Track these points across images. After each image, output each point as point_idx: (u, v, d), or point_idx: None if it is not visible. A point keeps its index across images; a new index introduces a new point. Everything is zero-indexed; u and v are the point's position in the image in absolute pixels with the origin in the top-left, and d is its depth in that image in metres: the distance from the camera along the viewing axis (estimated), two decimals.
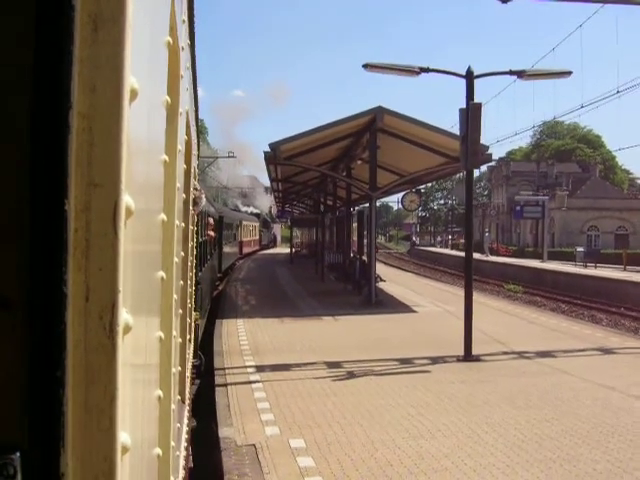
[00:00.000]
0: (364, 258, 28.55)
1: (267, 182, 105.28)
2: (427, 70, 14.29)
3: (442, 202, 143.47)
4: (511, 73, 14.39)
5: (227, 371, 13.34)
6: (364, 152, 27.07)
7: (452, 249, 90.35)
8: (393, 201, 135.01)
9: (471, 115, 13.44)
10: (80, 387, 1.11)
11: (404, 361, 13.98)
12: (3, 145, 1.09)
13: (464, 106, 13.67)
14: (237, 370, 13.40)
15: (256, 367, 13.57)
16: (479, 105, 13.55)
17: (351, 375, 12.79)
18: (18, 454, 1.06)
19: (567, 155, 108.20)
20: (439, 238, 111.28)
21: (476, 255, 66.23)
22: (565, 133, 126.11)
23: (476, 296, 29.55)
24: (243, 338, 17.12)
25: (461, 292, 30.93)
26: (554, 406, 10.50)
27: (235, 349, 15.59)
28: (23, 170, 1.08)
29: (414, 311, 22.45)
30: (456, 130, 26.03)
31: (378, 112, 22.56)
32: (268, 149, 22.58)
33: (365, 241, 30.57)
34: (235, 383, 12.30)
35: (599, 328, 19.94)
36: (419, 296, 27.55)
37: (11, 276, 1.08)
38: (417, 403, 10.73)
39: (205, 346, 16.01)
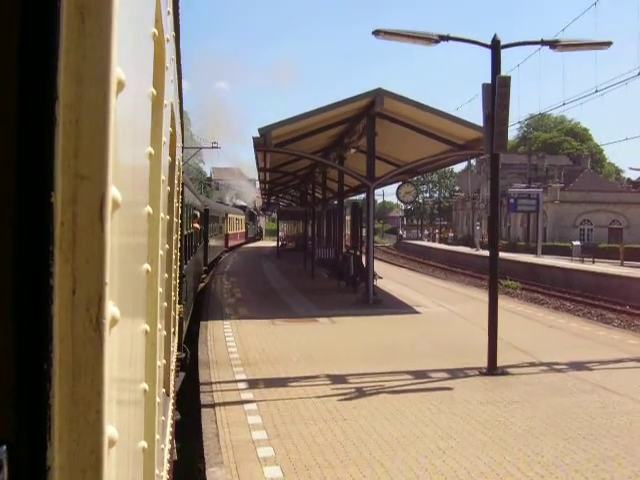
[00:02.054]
0: (358, 253, 26.63)
1: (250, 174, 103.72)
2: (447, 38, 12.38)
3: (427, 195, 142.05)
4: (543, 43, 12.53)
5: (214, 387, 11.43)
6: (360, 139, 25.17)
7: (440, 243, 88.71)
8: (378, 194, 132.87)
9: (498, 90, 11.57)
10: (67, 380, 1.09)
11: (419, 374, 12.12)
12: None
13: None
14: (226, 386, 11.48)
15: (248, 382, 11.67)
16: (508, 79, 11.68)
17: (360, 393, 10.92)
18: (4, 448, 1.02)
19: (554, 148, 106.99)
20: (426, 232, 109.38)
21: (466, 249, 65.04)
22: (552, 126, 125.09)
23: (475, 293, 27.90)
24: (231, 344, 15.20)
25: (460, 289, 29.49)
26: (612, 437, 8.68)
27: (223, 358, 13.67)
28: (9, 162, 1.05)
29: (417, 312, 20.58)
30: (459, 113, 24.40)
31: (378, 94, 20.64)
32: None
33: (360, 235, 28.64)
34: (224, 403, 10.40)
35: (628, 333, 18.12)
36: (418, 294, 25.70)
37: None
38: (445, 432, 8.88)
39: (190, 342, 14.31)
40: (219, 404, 10.36)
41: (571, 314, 25.10)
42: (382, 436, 8.72)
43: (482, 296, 26.26)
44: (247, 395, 10.81)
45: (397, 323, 18.18)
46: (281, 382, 11.62)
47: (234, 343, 15.27)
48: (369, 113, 22.04)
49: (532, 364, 12.99)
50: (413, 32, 12.33)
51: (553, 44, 12.38)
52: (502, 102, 11.49)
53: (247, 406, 10.19)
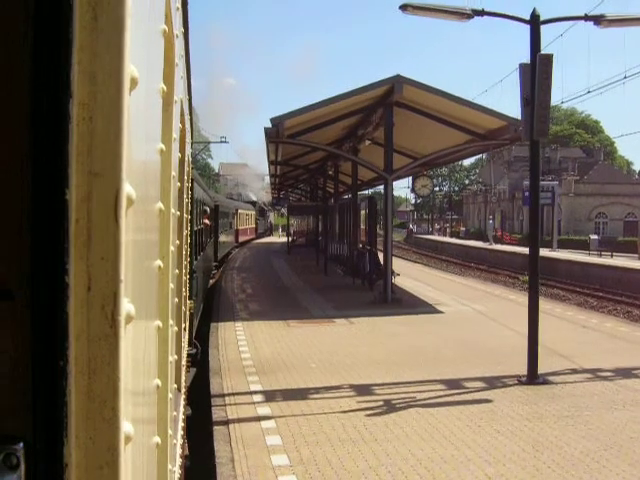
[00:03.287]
0: (375, 249, 25.51)
1: (258, 169, 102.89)
2: (481, 13, 11.22)
3: (437, 189, 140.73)
4: (586, 18, 11.37)
5: (227, 399, 10.38)
6: (375, 130, 24.05)
7: (451, 237, 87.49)
8: None
9: (539, 70, 10.44)
10: (83, 377, 1.09)
11: (452, 384, 11.02)
12: (3, 135, 1.07)
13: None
14: (240, 398, 10.43)
15: (264, 394, 10.60)
16: (550, 57, 10.54)
17: (390, 407, 9.84)
18: (21, 444, 1.04)
19: (565, 141, 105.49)
20: (437, 226, 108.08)
21: (478, 243, 63.83)
22: (563, 118, 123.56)
23: (497, 290, 26.71)
24: (244, 349, 14.15)
25: (479, 286, 28.31)
26: None
27: (235, 365, 12.61)
28: (24, 160, 1.07)
29: (439, 311, 19.43)
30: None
31: (396, 82, 19.50)
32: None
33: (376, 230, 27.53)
34: (239, 420, 9.33)
35: None
36: (437, 292, 24.58)
37: (13, 267, 1.07)
38: (492, 455, 7.79)
39: (200, 339, 13.32)
40: (233, 421, 9.30)
41: (596, 311, 24.07)
42: (420, 461, 7.64)
43: (505, 293, 25.25)
44: (264, 410, 9.74)
45: (420, 324, 17.07)
46: (301, 393, 10.55)
47: (247, 347, 14.20)
48: (386, 102, 20.92)
49: (574, 371, 11.87)
50: (444, 7, 11.18)
51: (597, 19, 11.23)
52: (544, 83, 10.36)
53: (264, 423, 9.12)
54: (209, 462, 8.28)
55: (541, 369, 11.36)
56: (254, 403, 10.11)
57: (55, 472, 1.06)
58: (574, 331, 16.09)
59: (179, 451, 4.22)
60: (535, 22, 10.82)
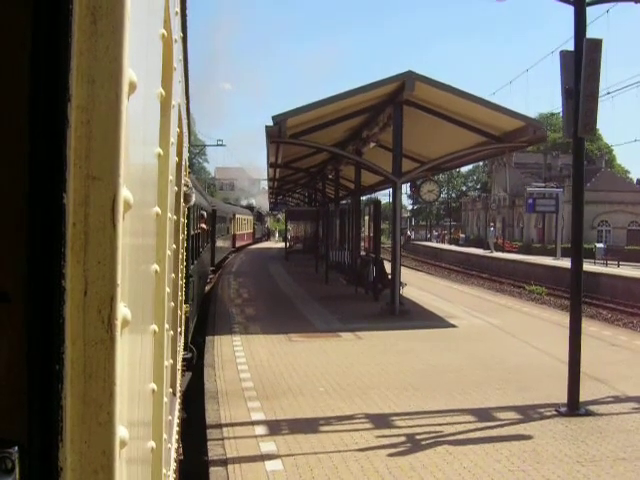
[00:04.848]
0: (380, 257, 24.14)
1: (254, 174, 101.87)
2: None
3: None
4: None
5: (225, 431, 9.00)
6: (382, 131, 22.72)
7: (450, 244, 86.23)
8: (383, 194, 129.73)
9: (586, 58, 9.13)
10: (79, 381, 1.07)
11: (481, 414, 9.65)
12: (2, 138, 1.06)
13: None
14: (240, 430, 9.05)
15: (267, 425, 9.22)
16: (599, 42, 9.23)
17: (414, 443, 8.46)
18: (16, 448, 1.03)
19: (564, 148, 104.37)
20: (435, 232, 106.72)
21: (479, 251, 62.52)
22: (560, 125, 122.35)
23: (509, 301, 25.32)
24: (243, 367, 12.76)
25: (488, 296, 26.91)
26: None
27: (234, 388, 11.22)
28: (21, 163, 1.05)
29: (452, 325, 18.01)
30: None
31: (408, 78, 18.16)
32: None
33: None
34: (239, 459, 7.95)
35: None
36: (446, 302, 23.20)
37: (10, 270, 1.06)
38: None
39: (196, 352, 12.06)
40: (232, 460, 7.92)
41: (610, 323, 22.78)
42: None
43: (517, 304, 23.97)
44: (268, 446, 8.36)
45: (433, 339, 15.69)
46: (309, 425, 9.18)
47: (246, 366, 12.81)
48: (395, 100, 19.58)
49: (617, 399, 10.51)
50: None
51: None
52: (592, 72, 9.06)
53: (270, 464, 7.74)
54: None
55: (580, 397, 10.02)
56: (256, 437, 8.74)
57: (50, 476, 1.05)
58: (602, 350, 14.71)
59: (174, 455, 4.20)
60: (580, 3, 9.51)
